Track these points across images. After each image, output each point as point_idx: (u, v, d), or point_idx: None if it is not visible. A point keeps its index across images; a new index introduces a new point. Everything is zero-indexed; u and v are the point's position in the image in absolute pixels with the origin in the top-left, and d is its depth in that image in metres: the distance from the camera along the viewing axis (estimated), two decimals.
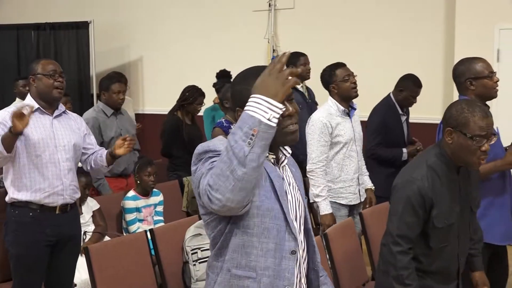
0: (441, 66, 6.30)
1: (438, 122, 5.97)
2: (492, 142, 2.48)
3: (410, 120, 5.00)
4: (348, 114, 4.02)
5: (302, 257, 1.96)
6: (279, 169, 1.96)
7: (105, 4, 8.27)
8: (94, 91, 7.52)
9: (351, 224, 3.80)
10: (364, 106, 4.88)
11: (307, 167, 3.95)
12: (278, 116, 1.65)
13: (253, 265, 1.85)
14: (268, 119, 1.63)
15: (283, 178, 1.95)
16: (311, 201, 4.05)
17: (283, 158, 1.99)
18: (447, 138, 2.49)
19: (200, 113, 5.68)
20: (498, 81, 3.17)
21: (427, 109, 6.02)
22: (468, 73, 3.15)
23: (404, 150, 4.66)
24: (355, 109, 4.08)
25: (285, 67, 1.68)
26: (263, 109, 1.63)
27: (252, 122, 1.63)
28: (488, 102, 3.20)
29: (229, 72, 5.99)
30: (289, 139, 1.87)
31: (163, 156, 5.25)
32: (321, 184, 3.88)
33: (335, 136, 3.91)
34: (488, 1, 5.73)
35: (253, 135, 1.62)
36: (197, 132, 5.26)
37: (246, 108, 1.65)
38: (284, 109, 1.68)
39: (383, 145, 4.59)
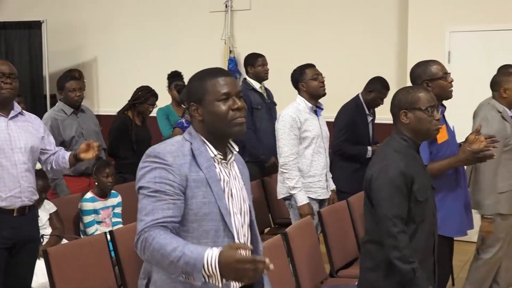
0: (395, 69, 6.44)
1: (390, 122, 6.21)
2: (443, 113, 2.78)
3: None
4: (315, 112, 4.16)
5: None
6: (227, 165, 2.12)
7: (58, 4, 8.15)
8: (48, 92, 7.40)
9: (310, 223, 3.86)
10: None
11: (280, 161, 4.09)
12: (208, 282, 1.81)
13: None
14: (205, 281, 1.80)
15: (228, 175, 2.10)
16: (280, 196, 4.15)
17: (231, 155, 2.15)
18: (404, 119, 2.69)
19: (153, 114, 5.65)
20: (452, 81, 3.29)
21: (381, 110, 6.14)
22: (424, 75, 3.28)
23: (369, 148, 4.85)
24: (322, 109, 4.23)
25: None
26: (211, 276, 1.78)
27: (197, 276, 1.79)
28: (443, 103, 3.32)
29: (180, 72, 6.00)
30: (237, 129, 2.05)
31: (109, 156, 5.13)
32: (295, 176, 4.02)
33: (303, 131, 4.06)
34: (439, 5, 5.89)
35: (188, 278, 1.83)
36: (147, 134, 5.19)
37: (205, 262, 1.77)
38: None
39: (349, 142, 4.76)
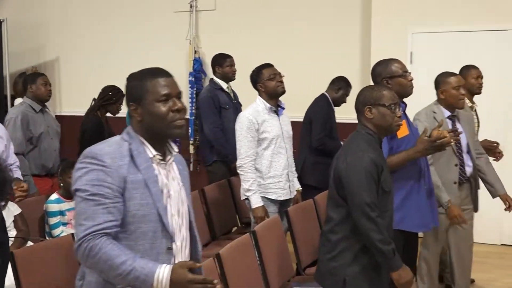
0: (359, 69, 6.53)
1: (356, 121, 6.30)
2: (401, 110, 2.89)
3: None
4: (276, 112, 4.14)
5: (182, 249, 2.13)
6: (166, 165, 2.11)
7: (19, 3, 8.00)
8: (8, 92, 7.25)
9: (277, 221, 3.89)
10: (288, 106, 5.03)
11: (236, 163, 4.09)
12: None
13: None
14: None
15: (166, 176, 2.09)
16: (242, 197, 4.15)
17: (170, 156, 2.14)
18: (368, 114, 2.83)
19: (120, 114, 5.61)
20: (412, 80, 3.37)
21: (344, 110, 6.22)
22: (384, 73, 3.37)
23: (342, 143, 4.93)
24: (283, 108, 4.22)
25: None
26: None
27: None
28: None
29: None
30: (176, 132, 2.05)
31: None
32: (250, 178, 4.01)
33: (261, 132, 4.06)
34: (402, 7, 6.01)
35: None
36: (113, 134, 5.16)
37: (156, 280, 1.85)
38: None
39: (329, 137, 4.92)
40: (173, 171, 2.15)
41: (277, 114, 4.17)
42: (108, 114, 5.13)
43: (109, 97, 5.08)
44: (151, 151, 2.06)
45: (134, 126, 2.08)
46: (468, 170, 4.00)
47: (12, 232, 3.93)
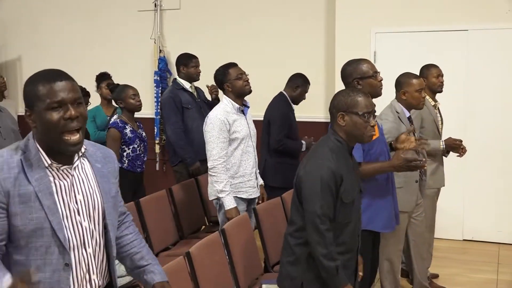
0: (323, 68, 6.60)
1: (320, 120, 6.38)
2: (375, 119, 2.81)
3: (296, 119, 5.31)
4: (243, 112, 4.15)
5: (96, 256, 2.05)
6: (71, 169, 2.00)
7: None
8: None
9: (246, 219, 3.91)
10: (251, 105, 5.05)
11: (208, 164, 4.04)
12: None
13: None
14: None
15: (71, 181, 1.98)
16: (210, 198, 4.14)
17: (76, 159, 2.02)
18: (340, 122, 2.74)
19: None
20: (382, 80, 3.42)
21: (310, 109, 6.29)
22: (355, 73, 3.37)
23: (303, 141, 4.99)
24: (248, 107, 4.23)
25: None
26: None
27: None
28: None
29: (108, 73, 5.95)
30: (70, 149, 1.92)
31: None
32: (223, 179, 3.98)
33: (232, 132, 4.03)
34: (365, 7, 6.09)
35: None
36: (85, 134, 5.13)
37: None
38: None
39: (288, 137, 4.89)
40: (83, 173, 2.04)
41: (244, 114, 4.17)
42: None
43: None
44: (46, 160, 1.94)
45: (34, 132, 1.97)
46: None
47: None
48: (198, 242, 3.29)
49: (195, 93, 5.36)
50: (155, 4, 7.15)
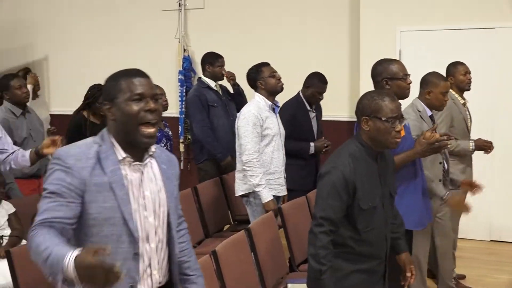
0: (347, 67, 6.58)
1: (345, 119, 6.35)
2: (403, 123, 2.75)
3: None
4: (273, 110, 4.18)
5: (158, 252, 2.11)
6: (141, 166, 2.08)
7: (7, 2, 7.95)
8: None
9: (272, 218, 3.92)
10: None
11: (243, 159, 4.06)
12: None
13: None
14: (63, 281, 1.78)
15: (141, 177, 2.07)
16: (238, 194, 4.17)
17: (147, 156, 2.11)
18: (364, 126, 2.69)
19: None
20: (411, 83, 3.40)
21: (334, 108, 6.28)
22: (385, 73, 3.36)
23: (312, 144, 4.91)
24: (278, 106, 4.26)
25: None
26: (65, 277, 1.75)
27: (58, 275, 1.76)
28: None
29: None
30: (145, 141, 2.03)
31: None
32: (259, 173, 4.03)
33: (264, 128, 4.08)
34: (390, 5, 6.06)
35: (54, 277, 1.78)
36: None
37: (64, 261, 1.73)
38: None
39: (291, 138, 4.78)
40: (151, 171, 2.13)
41: (274, 112, 4.21)
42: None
43: (88, 96, 5.07)
44: (120, 154, 2.04)
45: (109, 126, 2.08)
46: (446, 166, 4.07)
47: (6, 231, 3.94)
48: (224, 241, 3.31)
49: (220, 91, 5.37)
50: (179, 3, 7.19)
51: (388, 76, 3.34)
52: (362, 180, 2.64)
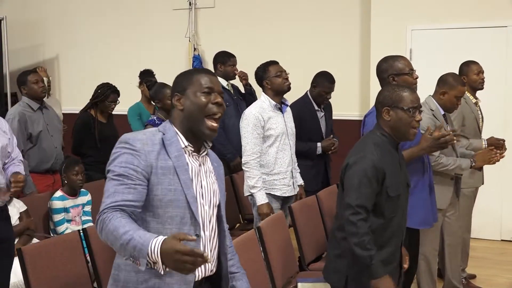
0: (358, 65, 6.56)
1: (355, 118, 6.33)
2: (422, 114, 2.81)
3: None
4: (280, 109, 4.16)
5: (210, 240, 2.18)
6: (198, 157, 2.17)
7: (18, 1, 8.00)
8: (8, 90, 7.26)
9: (282, 217, 3.92)
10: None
11: (242, 159, 4.08)
12: (159, 269, 1.83)
13: None
14: (151, 265, 1.85)
15: (199, 168, 2.16)
16: (246, 194, 4.17)
17: (204, 149, 2.21)
18: (386, 116, 2.76)
19: (124, 112, 5.63)
20: (417, 78, 3.39)
21: (344, 107, 6.26)
22: (391, 70, 3.36)
23: (318, 144, 4.88)
24: (287, 105, 4.24)
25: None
26: (155, 263, 1.81)
27: (142, 261, 1.82)
28: None
29: (151, 70, 5.98)
30: (208, 133, 2.14)
31: (74, 154, 5.12)
32: (255, 175, 4.01)
33: (267, 129, 4.05)
34: (401, 3, 6.03)
35: (133, 261, 1.86)
36: (112, 131, 5.15)
37: (150, 249, 1.80)
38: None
39: (298, 139, 4.74)
40: (207, 164, 2.22)
41: (281, 111, 4.18)
42: (117, 112, 5.16)
43: (97, 94, 5.09)
44: (183, 142, 2.13)
45: (174, 116, 2.18)
46: None
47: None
48: (234, 240, 3.29)
49: (232, 91, 5.37)
50: (190, 2, 7.21)
51: (394, 73, 3.35)
52: (389, 168, 2.70)
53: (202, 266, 2.11)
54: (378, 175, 2.66)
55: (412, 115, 2.73)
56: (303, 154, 4.75)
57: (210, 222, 2.17)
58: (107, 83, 5.18)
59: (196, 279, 2.13)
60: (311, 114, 4.94)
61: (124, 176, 2.00)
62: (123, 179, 2.00)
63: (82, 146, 5.04)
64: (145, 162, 2.03)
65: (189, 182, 2.09)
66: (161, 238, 1.80)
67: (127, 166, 2.01)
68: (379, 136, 2.77)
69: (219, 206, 2.24)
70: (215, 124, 2.14)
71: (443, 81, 3.90)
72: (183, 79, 2.19)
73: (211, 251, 2.19)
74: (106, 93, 5.07)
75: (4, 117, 4.70)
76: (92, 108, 5.11)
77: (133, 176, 2.00)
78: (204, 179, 2.17)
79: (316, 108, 4.98)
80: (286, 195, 4.20)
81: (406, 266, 2.99)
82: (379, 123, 2.81)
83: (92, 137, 5.00)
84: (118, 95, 5.16)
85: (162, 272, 1.82)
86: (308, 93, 5.03)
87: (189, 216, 2.08)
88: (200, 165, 2.17)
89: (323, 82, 4.94)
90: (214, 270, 2.23)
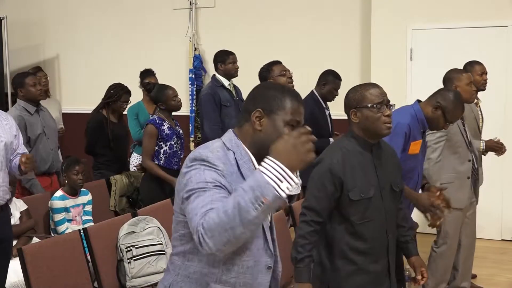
0: (358, 65, 6.55)
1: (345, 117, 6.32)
2: (393, 110, 2.70)
3: (332, 117, 5.27)
4: None
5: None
6: None
7: (18, 1, 8.00)
8: (9, 90, 7.25)
9: (282, 217, 3.92)
10: None
11: None
12: (291, 189, 1.65)
13: (233, 282, 1.88)
14: (282, 190, 1.64)
15: None
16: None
17: None
18: (354, 119, 2.67)
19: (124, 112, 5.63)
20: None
21: (337, 106, 6.25)
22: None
23: (331, 139, 4.94)
24: None
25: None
26: (279, 179, 1.63)
27: (267, 191, 1.61)
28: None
29: (152, 70, 5.97)
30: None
31: (87, 154, 5.17)
32: None
33: None
34: (402, 3, 6.03)
35: (263, 202, 1.61)
36: (123, 131, 5.20)
37: (263, 169, 1.63)
38: (297, 185, 1.69)
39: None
40: None
41: None
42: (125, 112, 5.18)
43: (111, 94, 5.10)
44: (254, 163, 1.90)
45: (244, 132, 1.93)
46: (476, 164, 4.06)
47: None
48: None
49: (233, 91, 5.37)
50: (190, 2, 7.20)
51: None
52: (352, 171, 2.61)
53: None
54: (333, 179, 2.59)
55: (379, 111, 2.61)
56: (315, 151, 4.78)
57: (273, 244, 2.01)
58: (120, 84, 5.19)
59: None
60: (321, 112, 5.05)
61: (217, 186, 1.76)
62: (215, 188, 1.74)
63: (95, 146, 5.05)
64: (229, 184, 1.80)
65: None
66: (266, 160, 1.64)
67: (216, 182, 1.76)
68: (348, 139, 2.70)
69: (272, 229, 2.04)
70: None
71: (448, 78, 3.96)
72: (274, 97, 1.91)
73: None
74: (119, 94, 5.09)
75: None
76: (103, 108, 5.13)
77: (223, 190, 1.76)
78: None
79: (324, 106, 5.08)
80: (293, 193, 4.20)
81: (418, 277, 2.85)
82: (350, 127, 2.72)
83: (105, 137, 5.01)
84: (130, 95, 5.19)
85: (297, 180, 1.65)
86: (315, 91, 5.10)
87: (263, 245, 1.91)
88: None
89: (332, 79, 5.08)
90: None
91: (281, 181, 1.63)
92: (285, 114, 1.89)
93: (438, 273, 4.06)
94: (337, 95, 5.14)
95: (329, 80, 5.07)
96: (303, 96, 5.02)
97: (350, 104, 2.69)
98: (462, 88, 3.87)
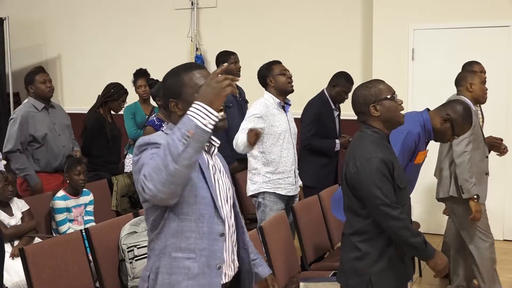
0: (360, 65, 6.54)
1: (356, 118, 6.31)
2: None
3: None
4: (284, 108, 4.16)
5: (231, 237, 2.16)
6: (211, 157, 2.14)
7: (20, 1, 8.01)
8: (11, 90, 7.27)
9: (284, 217, 3.92)
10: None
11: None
12: (214, 123, 1.85)
13: (192, 247, 2.03)
14: (204, 125, 1.82)
15: (214, 166, 2.14)
16: (248, 194, 4.17)
17: (213, 148, 2.17)
18: (375, 113, 2.71)
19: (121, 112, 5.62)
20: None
21: (347, 106, 6.23)
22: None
23: (337, 141, 4.90)
24: (289, 105, 4.24)
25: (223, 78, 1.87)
26: (201, 115, 1.83)
27: (190, 125, 1.81)
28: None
29: (146, 70, 5.94)
30: (219, 124, 1.98)
31: (83, 154, 5.06)
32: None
33: (271, 126, 4.07)
34: (403, 3, 6.02)
35: (188, 136, 1.80)
36: (118, 131, 5.19)
37: (188, 112, 1.84)
38: (220, 117, 1.87)
39: (317, 136, 4.77)
40: (218, 163, 2.19)
41: (285, 110, 4.19)
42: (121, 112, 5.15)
43: (110, 94, 5.10)
44: None
45: (176, 122, 2.03)
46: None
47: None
48: None
49: (236, 92, 5.35)
50: (192, 2, 7.20)
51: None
52: (393, 160, 2.69)
53: (229, 269, 2.13)
54: (389, 168, 2.64)
55: (396, 101, 2.72)
56: (320, 152, 4.79)
57: (230, 218, 2.15)
58: (119, 83, 5.19)
59: (224, 282, 2.09)
60: (328, 113, 4.99)
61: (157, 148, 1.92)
62: (156, 147, 1.92)
63: (92, 147, 5.03)
64: None
65: (211, 180, 2.07)
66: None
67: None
68: (372, 134, 2.73)
69: (234, 203, 2.21)
70: (223, 113, 2.03)
71: (462, 77, 3.98)
72: (173, 82, 2.09)
73: (232, 248, 2.15)
74: (119, 93, 5.09)
75: (8, 117, 4.72)
76: (101, 107, 5.11)
77: None
78: (220, 177, 2.15)
79: (333, 107, 5.03)
80: (291, 194, 4.21)
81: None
82: (367, 123, 2.76)
83: (104, 136, 5.00)
84: (127, 95, 5.20)
85: (220, 116, 1.86)
86: (325, 91, 5.05)
87: (214, 213, 2.05)
88: (214, 163, 2.15)
89: (343, 82, 5.00)
90: (236, 270, 2.20)
91: (204, 118, 1.82)
92: (189, 87, 2.06)
93: (485, 277, 4.06)
94: (346, 99, 5.05)
95: (340, 82, 5.00)
96: (311, 96, 5.08)
97: (367, 100, 2.72)
98: (477, 86, 3.90)
